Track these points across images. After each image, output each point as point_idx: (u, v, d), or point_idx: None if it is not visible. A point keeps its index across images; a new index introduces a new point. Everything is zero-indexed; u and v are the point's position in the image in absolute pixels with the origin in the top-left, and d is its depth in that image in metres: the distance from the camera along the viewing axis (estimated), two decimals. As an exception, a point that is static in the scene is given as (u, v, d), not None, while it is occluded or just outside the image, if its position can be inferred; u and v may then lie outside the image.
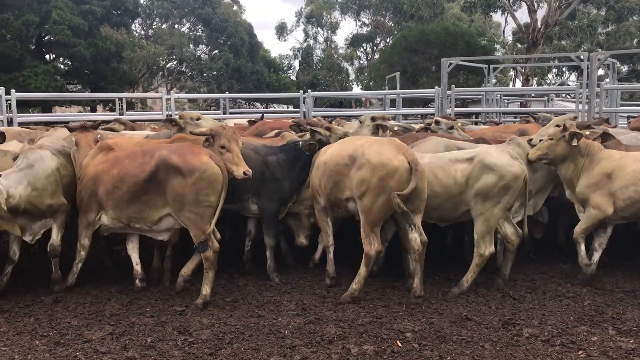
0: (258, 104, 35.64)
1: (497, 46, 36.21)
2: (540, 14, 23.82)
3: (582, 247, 6.00)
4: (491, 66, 13.81)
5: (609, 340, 4.58)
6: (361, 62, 41.54)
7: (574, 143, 5.90)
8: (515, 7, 26.78)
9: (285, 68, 41.47)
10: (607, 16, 36.21)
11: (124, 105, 12.48)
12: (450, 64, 11.83)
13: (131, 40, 35.11)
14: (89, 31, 31.65)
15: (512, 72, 35.43)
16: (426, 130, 7.40)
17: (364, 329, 4.78)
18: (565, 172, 6.09)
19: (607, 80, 12.60)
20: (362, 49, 41.16)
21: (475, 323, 4.94)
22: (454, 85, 11.80)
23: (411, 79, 23.60)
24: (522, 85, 24.77)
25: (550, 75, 39.56)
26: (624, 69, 39.45)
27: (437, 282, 6.07)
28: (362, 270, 5.40)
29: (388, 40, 36.12)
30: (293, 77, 42.75)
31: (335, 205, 5.73)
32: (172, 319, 4.99)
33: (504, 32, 32.66)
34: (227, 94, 15.08)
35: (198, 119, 7.33)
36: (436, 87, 11.90)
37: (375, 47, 40.22)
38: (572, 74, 35.62)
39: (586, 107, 9.86)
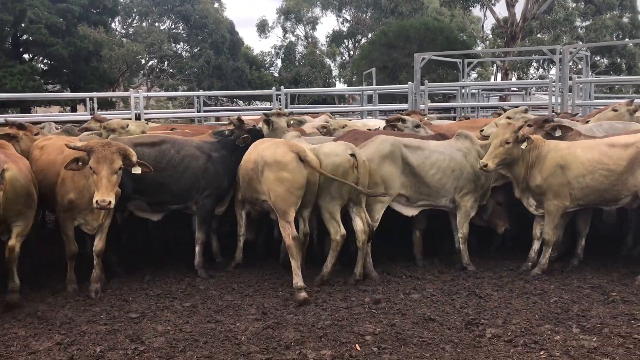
0: (240, 102, 35.40)
1: (478, 41, 36.25)
2: (519, 8, 23.88)
3: (550, 250, 6.00)
4: (466, 61, 13.71)
5: (571, 339, 4.49)
6: (343, 58, 41.38)
7: (524, 146, 5.87)
8: (493, 2, 26.76)
9: (267, 65, 41.18)
10: (585, 10, 36.41)
11: (95, 105, 12.21)
12: (423, 59, 11.74)
13: (110, 39, 34.62)
14: (67, 30, 31.13)
15: (493, 67, 35.54)
16: (392, 128, 7.27)
17: (324, 333, 4.65)
18: (518, 172, 6.02)
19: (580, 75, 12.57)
20: (343, 45, 40.99)
21: (438, 324, 4.83)
22: (427, 81, 11.69)
23: (391, 74, 23.49)
24: (502, 80, 24.81)
25: (532, 70, 39.70)
26: (605, 62, 39.77)
27: (403, 281, 5.96)
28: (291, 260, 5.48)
29: (369, 36, 35.96)
30: (276, 74, 42.49)
31: (251, 202, 6.11)
32: (125, 327, 4.82)
33: (483, 26, 32.66)
34: (200, 92, 14.86)
35: (126, 126, 7.46)
36: (409, 82, 11.80)
37: (357, 43, 40.07)
38: (553, 67, 35.72)
39: (560, 100, 9.80)
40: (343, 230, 5.69)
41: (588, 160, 5.77)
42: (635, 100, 7.36)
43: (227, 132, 6.60)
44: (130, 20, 41.04)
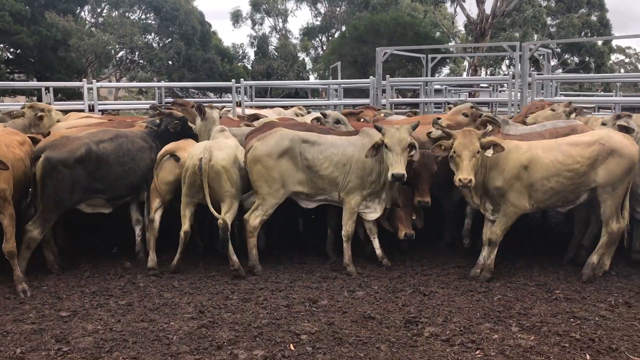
0: (211, 94, 34.94)
1: (450, 37, 36.38)
2: (489, 5, 24.00)
3: (495, 251, 5.83)
4: (430, 56, 13.67)
5: (509, 338, 4.44)
6: (317, 51, 41.17)
7: (490, 154, 5.51)
8: (464, -1, 26.87)
9: (239, 57, 40.70)
10: (556, 8, 36.83)
11: (51, 95, 11.84)
12: (385, 53, 11.65)
13: (78, 28, 33.86)
14: (33, 18, 30.37)
15: (465, 63, 35.73)
16: (318, 121, 7.25)
17: (259, 332, 4.52)
18: (476, 178, 5.61)
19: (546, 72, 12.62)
20: (317, 39, 40.77)
21: (377, 322, 4.74)
22: (388, 76, 11.61)
23: (361, 69, 23.39)
24: (471, 75, 24.94)
25: (504, 66, 40.04)
26: (575, 60, 40.32)
27: (350, 278, 5.86)
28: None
29: (343, 30, 35.82)
30: (249, 67, 42.05)
31: None
32: (53, 326, 4.63)
33: (453, 22, 32.72)
34: (161, 83, 14.56)
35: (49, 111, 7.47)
36: (371, 77, 11.71)
37: (330, 37, 39.89)
38: (549, 63, 36.05)
39: (519, 96, 9.81)
40: (186, 227, 5.89)
41: (552, 162, 5.60)
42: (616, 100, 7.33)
43: (157, 121, 6.61)
44: (100, 10, 40.22)
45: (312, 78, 42.93)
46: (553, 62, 42.78)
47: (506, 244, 6.80)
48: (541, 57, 11.81)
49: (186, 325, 4.64)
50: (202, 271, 6.06)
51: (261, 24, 40.75)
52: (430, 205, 6.15)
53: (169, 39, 36.23)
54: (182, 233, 5.91)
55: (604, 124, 6.56)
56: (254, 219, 5.92)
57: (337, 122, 7.14)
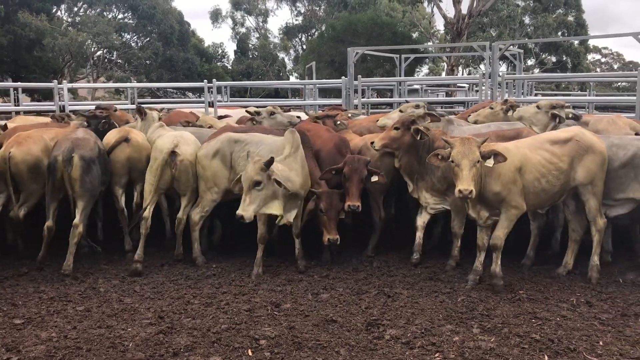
0: (190, 94, 34.66)
1: (431, 37, 36.52)
2: (466, 5, 24.14)
3: (500, 256, 5.55)
4: (403, 56, 13.69)
5: (470, 340, 4.42)
6: (297, 51, 41.08)
7: (490, 164, 5.19)
8: (440, -2, 26.99)
9: (219, 57, 40.47)
10: (534, 7, 37.17)
11: (19, 96, 11.62)
12: (357, 53, 11.63)
13: (53, 27, 33.35)
14: (6, 17, 29.84)
15: (444, 63, 35.89)
16: (252, 122, 7.44)
17: (218, 338, 4.44)
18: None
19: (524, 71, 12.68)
20: (297, 39, 40.69)
21: (339, 325, 4.69)
22: (360, 76, 11.59)
23: (339, 69, 23.33)
24: (448, 75, 25.06)
25: (482, 66, 40.32)
26: (552, 59, 40.75)
27: (314, 280, 5.81)
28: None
29: (323, 29, 35.78)
30: (229, 66, 41.81)
31: None
32: (5, 334, 4.51)
33: (430, 22, 32.87)
34: (133, 84, 14.39)
35: None
36: (343, 77, 11.67)
37: (310, 37, 39.84)
38: (503, 64, 36.37)
39: (490, 96, 9.85)
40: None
41: (540, 162, 5.49)
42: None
43: (85, 123, 6.98)
44: (76, 9, 39.68)
45: (292, 78, 42.88)
46: (531, 62, 43.43)
47: (472, 245, 6.81)
48: (513, 57, 11.87)
49: (144, 332, 4.55)
50: (166, 275, 5.97)
51: (242, 24, 40.60)
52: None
53: (148, 39, 35.91)
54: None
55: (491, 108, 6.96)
56: (195, 215, 6.30)
57: (272, 113, 7.21)
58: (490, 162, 5.16)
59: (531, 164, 5.47)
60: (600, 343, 4.36)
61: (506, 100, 7.45)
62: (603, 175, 5.71)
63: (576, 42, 38.48)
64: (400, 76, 13.54)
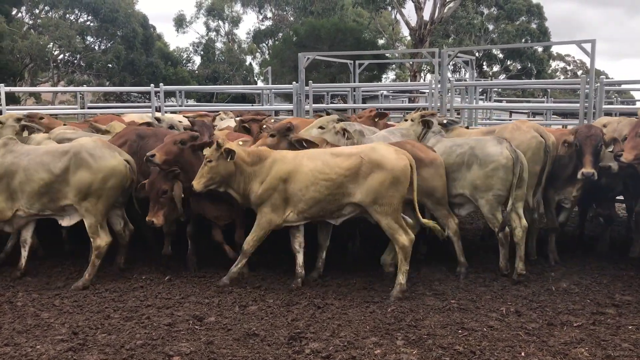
0: (156, 99, 34.12)
1: (397, 44, 36.77)
2: (428, 12, 24.32)
3: (245, 260, 5.68)
4: (357, 62, 13.65)
5: (392, 353, 4.32)
6: (264, 56, 40.89)
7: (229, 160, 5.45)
8: (404, 5, 27.18)
9: (184, 61, 40.00)
10: (498, 15, 37.77)
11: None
12: (308, 58, 11.53)
13: (12, 30, 32.54)
14: (-35, 19, 29.05)
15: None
16: (148, 126, 7.24)
17: (130, 355, 4.25)
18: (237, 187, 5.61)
19: (467, 76, 12.76)
20: (264, 44, 40.52)
21: (260, 339, 4.54)
22: (311, 81, 11.50)
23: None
24: (411, 80, 25.22)
25: (449, 72, 40.70)
26: (517, 66, 41.45)
27: (245, 291, 5.63)
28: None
29: (286, 34, 35.72)
30: (195, 70, 41.37)
31: None
32: None
33: (393, 29, 33.06)
34: (84, 88, 14.04)
35: None
36: (294, 82, 11.56)
37: (277, 42, 39.72)
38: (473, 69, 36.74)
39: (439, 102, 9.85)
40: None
41: (310, 171, 5.46)
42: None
43: None
44: (37, 11, 38.82)
45: (260, 82, 42.65)
46: (496, 68, 44.07)
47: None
48: (466, 64, 11.90)
49: (53, 349, 4.33)
50: (90, 288, 5.72)
51: (210, 29, 40.24)
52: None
53: (112, 42, 35.31)
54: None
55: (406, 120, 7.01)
56: None
57: (171, 127, 7.15)
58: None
59: (302, 172, 5.48)
60: (522, 354, 4.30)
61: (373, 110, 7.73)
62: (396, 194, 5.43)
63: (540, 49, 39.24)
64: (354, 82, 13.48)
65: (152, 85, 10.93)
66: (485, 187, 5.85)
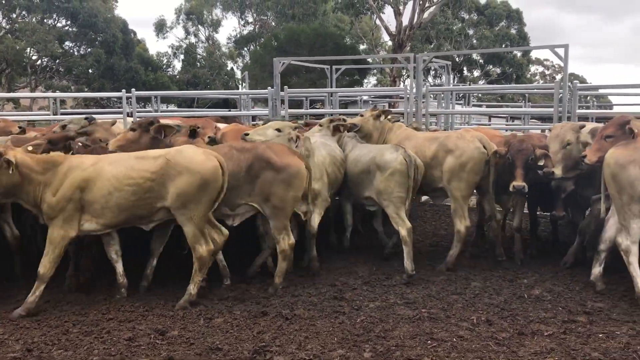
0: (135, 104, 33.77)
1: (379, 49, 36.82)
2: (407, 17, 24.41)
3: (42, 287, 5.17)
4: (334, 67, 13.58)
5: (357, 366, 4.20)
6: (245, 61, 40.68)
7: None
8: (384, 10, 27.22)
9: (164, 66, 39.65)
10: (478, 20, 38.06)
11: None
12: (283, 63, 11.43)
13: (-13, 34, 32.08)
14: (-64, 24, 28.54)
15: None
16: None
17: (85, 372, 4.08)
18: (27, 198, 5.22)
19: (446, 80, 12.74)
20: (246, 48, 40.30)
21: (223, 354, 4.39)
22: (286, 86, 11.40)
23: (283, 79, 23.08)
24: (390, 85, 25.27)
25: (429, 78, 40.94)
26: (497, 71, 41.78)
27: (212, 303, 5.47)
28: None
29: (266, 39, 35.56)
30: (177, 75, 41.03)
31: None
32: None
33: (373, 34, 33.12)
34: (57, 94, 13.78)
35: None
36: (269, 87, 11.46)
37: (258, 47, 39.56)
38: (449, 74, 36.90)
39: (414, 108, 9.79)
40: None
41: (114, 176, 5.16)
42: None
43: None
44: (14, 16, 38.26)
45: (241, 87, 42.43)
46: (477, 73, 44.39)
47: (379, 260, 6.67)
48: (442, 69, 11.91)
49: (4, 367, 4.15)
50: (51, 301, 5.52)
51: (190, 33, 39.97)
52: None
53: (91, 47, 34.89)
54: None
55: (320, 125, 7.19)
56: None
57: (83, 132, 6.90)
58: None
59: (103, 179, 5.18)
60: (491, 365, 4.21)
61: (375, 107, 7.97)
62: (203, 198, 5.24)
63: (519, 54, 39.60)
64: (331, 87, 13.41)
65: (124, 90, 10.73)
66: (387, 190, 6.23)
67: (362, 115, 7.32)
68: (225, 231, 5.59)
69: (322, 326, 4.93)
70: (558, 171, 6.05)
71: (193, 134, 6.63)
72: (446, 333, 4.77)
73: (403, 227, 6.20)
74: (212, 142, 6.71)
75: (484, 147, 6.36)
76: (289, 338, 4.68)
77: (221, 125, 8.15)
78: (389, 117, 7.39)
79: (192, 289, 5.37)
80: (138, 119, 6.62)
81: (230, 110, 18.14)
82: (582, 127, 6.39)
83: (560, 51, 8.52)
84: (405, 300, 5.54)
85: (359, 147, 6.84)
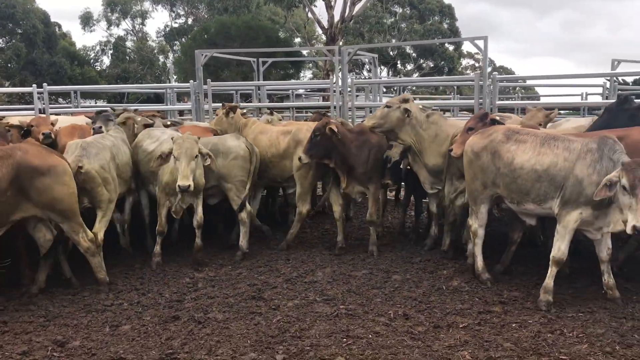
0: (61, 99, 32.26)
1: (313, 42, 36.67)
2: (339, 10, 24.35)
3: None
4: (260, 60, 13.32)
5: (269, 369, 4.04)
6: (177, 54, 39.61)
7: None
8: (316, 4, 27.08)
9: (92, 61, 38.02)
10: (411, 15, 38.57)
11: None
12: (205, 56, 11.09)
13: None
14: None
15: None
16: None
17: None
18: None
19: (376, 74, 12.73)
20: (177, 42, 39.22)
21: (125, 364, 4.13)
22: (209, 80, 11.07)
23: (214, 72, 22.62)
24: (323, 79, 25.18)
25: (364, 71, 41.21)
26: (430, 64, 42.58)
27: (119, 308, 5.16)
28: None
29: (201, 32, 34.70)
30: (106, 70, 39.44)
31: None
32: None
33: (305, 27, 32.97)
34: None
35: None
36: (191, 81, 11.11)
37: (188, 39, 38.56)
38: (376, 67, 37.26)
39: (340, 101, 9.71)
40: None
41: None
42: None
43: None
44: None
45: (173, 81, 41.34)
46: (410, 66, 45.10)
47: (306, 256, 6.56)
48: (370, 62, 11.89)
49: None
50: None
51: (117, 26, 38.50)
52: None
53: (12, 41, 32.99)
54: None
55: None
56: None
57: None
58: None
59: None
60: (405, 361, 4.14)
61: (223, 105, 7.92)
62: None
63: (451, 47, 40.49)
64: (259, 80, 13.15)
65: (34, 85, 10.09)
66: (229, 175, 6.61)
67: (216, 115, 7.71)
68: None
69: (236, 329, 4.73)
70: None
71: (27, 133, 6.94)
72: (362, 329, 4.68)
73: (244, 210, 6.65)
74: (47, 138, 6.88)
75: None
76: (199, 343, 4.47)
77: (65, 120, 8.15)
78: (244, 112, 7.89)
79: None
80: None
81: (154, 105, 17.48)
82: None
83: (480, 43, 8.62)
84: (324, 297, 5.42)
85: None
